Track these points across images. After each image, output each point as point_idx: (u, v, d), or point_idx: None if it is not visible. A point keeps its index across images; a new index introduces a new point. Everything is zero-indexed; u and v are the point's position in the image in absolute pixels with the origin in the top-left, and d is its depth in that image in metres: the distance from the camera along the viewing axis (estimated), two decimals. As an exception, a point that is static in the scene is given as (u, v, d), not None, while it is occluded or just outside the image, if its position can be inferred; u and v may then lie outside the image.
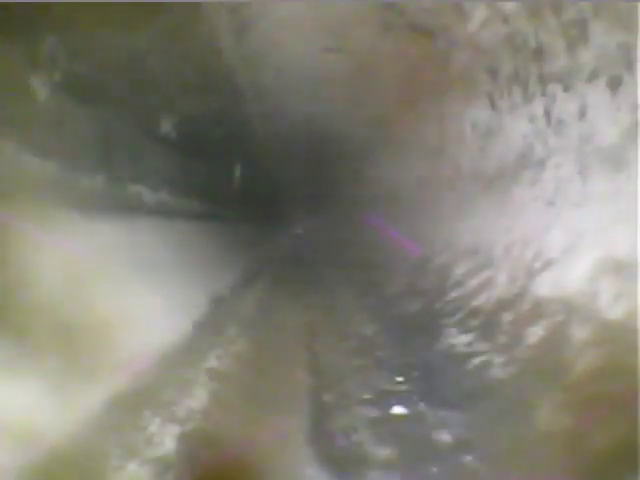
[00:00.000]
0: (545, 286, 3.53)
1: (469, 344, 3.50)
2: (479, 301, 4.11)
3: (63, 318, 2.68)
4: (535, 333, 3.22)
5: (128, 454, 2.20)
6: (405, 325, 4.56)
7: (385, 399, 2.98)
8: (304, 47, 7.04)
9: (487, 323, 3.67)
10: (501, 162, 5.22)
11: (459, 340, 3.63)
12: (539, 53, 4.26)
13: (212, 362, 3.53)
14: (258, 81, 7.67)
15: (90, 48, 3.80)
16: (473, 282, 4.60)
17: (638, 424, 1.86)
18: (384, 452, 2.39)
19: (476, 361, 3.19)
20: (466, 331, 3.73)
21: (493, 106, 5.35)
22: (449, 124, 6.50)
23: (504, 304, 3.75)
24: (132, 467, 2.13)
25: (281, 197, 17.04)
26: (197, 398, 2.87)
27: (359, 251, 9.63)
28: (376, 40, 6.38)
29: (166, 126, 5.27)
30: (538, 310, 3.40)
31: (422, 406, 2.82)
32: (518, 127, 4.85)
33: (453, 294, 4.65)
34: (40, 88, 3.29)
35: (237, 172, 10.11)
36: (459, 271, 5.10)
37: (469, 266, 4.95)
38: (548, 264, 3.68)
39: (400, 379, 3.27)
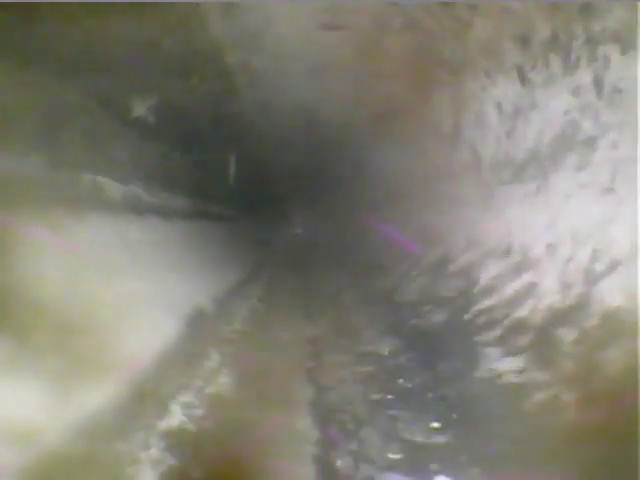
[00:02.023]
0: (613, 294, 2.78)
1: (521, 371, 2.69)
2: (522, 312, 3.33)
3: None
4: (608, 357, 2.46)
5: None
6: (429, 342, 3.76)
7: (420, 463, 2.08)
8: (301, 24, 6.35)
9: (540, 342, 2.88)
10: (535, 146, 4.46)
11: (505, 365, 2.83)
12: (586, 9, 3.54)
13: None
14: (251, 64, 6.96)
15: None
16: (508, 288, 3.84)
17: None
18: None
19: (539, 397, 2.36)
20: (514, 353, 2.92)
21: (523, 81, 4.60)
22: (467, 107, 5.76)
23: (559, 317, 2.97)
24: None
25: (280, 194, 16.37)
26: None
27: (364, 252, 8.91)
28: (382, 14, 5.68)
29: (139, 109, 4.52)
30: (609, 325, 2.65)
31: (476, 473, 1.95)
32: (557, 103, 4.12)
33: (485, 302, 3.88)
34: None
35: (232, 167, 9.38)
36: (487, 274, 4.35)
37: (500, 268, 4.19)
38: (613, 266, 2.92)
39: (436, 425, 2.41)
